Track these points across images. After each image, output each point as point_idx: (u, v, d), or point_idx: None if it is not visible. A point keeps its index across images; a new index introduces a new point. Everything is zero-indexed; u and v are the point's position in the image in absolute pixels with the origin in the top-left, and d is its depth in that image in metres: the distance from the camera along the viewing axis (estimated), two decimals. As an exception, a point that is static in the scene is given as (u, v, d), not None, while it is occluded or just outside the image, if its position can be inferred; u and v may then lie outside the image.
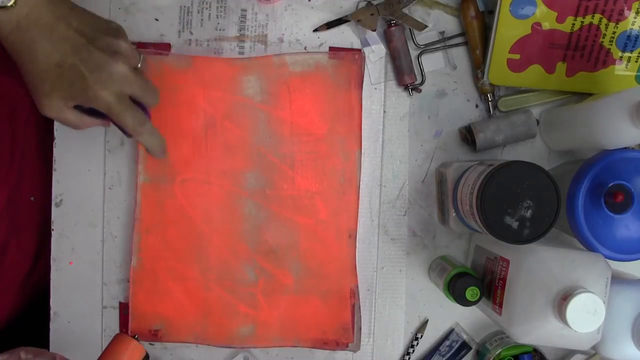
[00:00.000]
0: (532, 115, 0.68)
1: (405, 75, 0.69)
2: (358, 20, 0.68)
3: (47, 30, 0.53)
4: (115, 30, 0.56)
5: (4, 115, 0.69)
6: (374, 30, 0.68)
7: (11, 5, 0.51)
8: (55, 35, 0.53)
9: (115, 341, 0.54)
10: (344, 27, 0.70)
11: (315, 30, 0.69)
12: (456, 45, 0.70)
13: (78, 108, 0.56)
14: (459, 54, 0.70)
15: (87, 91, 0.54)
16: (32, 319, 0.60)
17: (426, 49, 0.69)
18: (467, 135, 0.69)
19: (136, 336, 0.55)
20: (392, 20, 0.68)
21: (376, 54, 0.69)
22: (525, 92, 0.70)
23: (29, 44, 0.53)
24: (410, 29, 0.69)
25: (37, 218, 0.73)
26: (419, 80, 0.70)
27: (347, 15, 0.68)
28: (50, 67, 0.53)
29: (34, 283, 0.75)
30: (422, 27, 0.68)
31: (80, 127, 0.58)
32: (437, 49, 0.70)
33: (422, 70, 0.70)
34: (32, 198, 0.73)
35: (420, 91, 0.70)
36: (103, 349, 0.54)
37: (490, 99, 0.69)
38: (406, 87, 0.70)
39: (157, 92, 0.60)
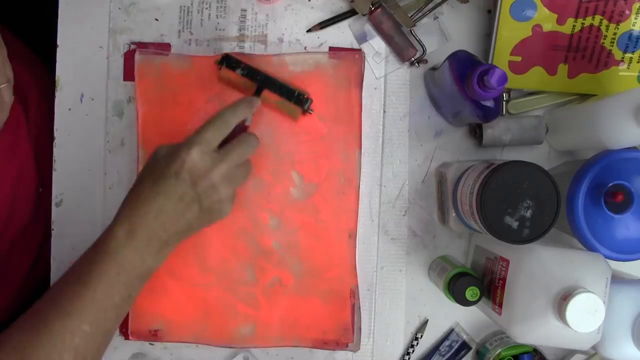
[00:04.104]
0: (543, 121, 0.68)
1: (405, 50, 0.68)
2: (352, 1, 0.67)
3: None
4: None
5: (17, 104, 0.70)
6: (364, 15, 0.68)
7: None
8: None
9: None
10: (343, 27, 0.70)
11: (309, 30, 0.69)
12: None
13: None
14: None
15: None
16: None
17: (415, 18, 0.68)
18: (476, 129, 0.69)
19: None
20: (375, 2, 0.67)
21: (375, 47, 0.69)
22: (534, 94, 0.70)
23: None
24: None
25: (43, 213, 0.73)
26: (420, 52, 0.69)
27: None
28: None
29: (34, 282, 0.75)
30: (411, 24, 0.68)
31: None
32: (425, 15, 0.68)
33: (419, 42, 0.68)
34: (40, 189, 0.73)
35: (426, 62, 0.69)
36: None
37: (505, 99, 0.69)
38: (412, 63, 0.69)
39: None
